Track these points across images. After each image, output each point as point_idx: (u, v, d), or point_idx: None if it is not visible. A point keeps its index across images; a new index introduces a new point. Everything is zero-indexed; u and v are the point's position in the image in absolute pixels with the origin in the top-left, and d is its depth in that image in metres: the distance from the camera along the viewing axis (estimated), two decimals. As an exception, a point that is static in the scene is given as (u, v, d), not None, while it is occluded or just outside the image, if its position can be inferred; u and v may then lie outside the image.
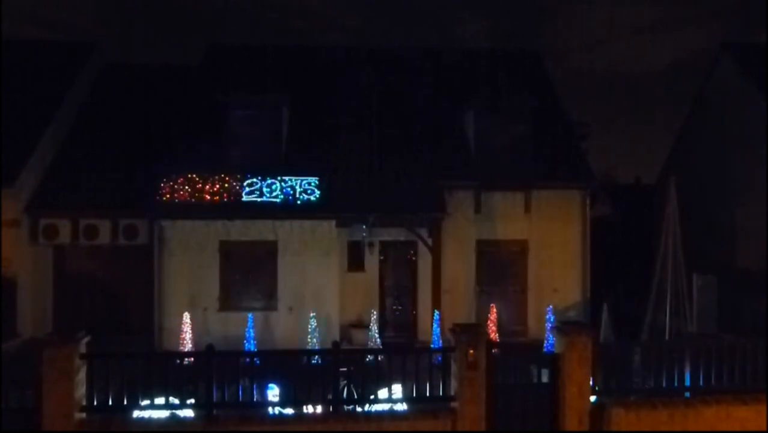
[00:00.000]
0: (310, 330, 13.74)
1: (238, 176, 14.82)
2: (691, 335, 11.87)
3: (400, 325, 16.11)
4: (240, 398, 8.51)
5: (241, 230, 15.00)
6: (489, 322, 14.95)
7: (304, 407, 8.40)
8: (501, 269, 16.33)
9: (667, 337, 11.09)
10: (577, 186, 16.38)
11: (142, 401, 8.17)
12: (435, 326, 13.81)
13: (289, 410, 8.42)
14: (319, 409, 8.40)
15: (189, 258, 14.86)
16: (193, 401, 8.27)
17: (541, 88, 18.99)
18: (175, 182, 14.65)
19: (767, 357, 8.94)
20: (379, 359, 9.16)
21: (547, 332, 13.71)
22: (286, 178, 14.89)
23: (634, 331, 13.47)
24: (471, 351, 8.12)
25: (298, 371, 8.48)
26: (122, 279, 15.89)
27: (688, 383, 9.18)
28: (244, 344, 13.26)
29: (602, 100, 59.68)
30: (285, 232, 15.08)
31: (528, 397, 8.51)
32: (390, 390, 8.50)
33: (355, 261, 15.89)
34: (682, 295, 11.15)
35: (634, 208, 24.64)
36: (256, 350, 13.02)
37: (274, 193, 14.75)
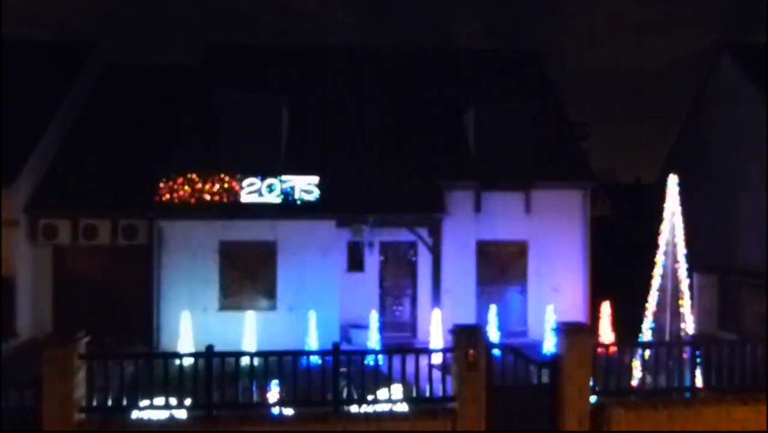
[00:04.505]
0: (309, 330, 13.73)
1: (238, 176, 14.81)
2: (691, 336, 11.85)
3: (400, 325, 16.10)
4: (240, 399, 8.50)
5: (240, 230, 14.98)
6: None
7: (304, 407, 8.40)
8: (501, 269, 16.33)
9: (667, 337, 11.07)
10: (577, 186, 16.37)
11: (141, 401, 8.16)
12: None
13: (289, 410, 8.41)
14: (318, 409, 8.39)
15: (189, 258, 14.84)
16: (192, 401, 8.26)
17: (541, 87, 18.99)
18: (175, 182, 14.64)
19: (767, 357, 8.93)
20: (379, 359, 9.15)
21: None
22: (286, 178, 14.89)
23: (634, 331, 13.45)
24: (471, 351, 8.12)
25: (298, 371, 8.47)
26: (122, 279, 15.86)
27: (688, 383, 9.18)
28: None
29: (602, 100, 59.70)
30: (284, 232, 15.06)
31: (528, 397, 8.50)
32: (390, 390, 8.49)
33: (355, 261, 15.88)
34: (682, 295, 11.13)
35: (634, 208, 24.61)
36: (256, 350, 13.00)
37: (274, 193, 14.74)
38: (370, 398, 8.51)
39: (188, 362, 9.05)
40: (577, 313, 15.94)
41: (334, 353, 8.56)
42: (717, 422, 8.52)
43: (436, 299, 15.17)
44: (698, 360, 9.11)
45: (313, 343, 13.74)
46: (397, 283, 16.23)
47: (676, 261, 11.17)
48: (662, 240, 11.40)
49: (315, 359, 9.06)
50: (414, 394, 8.52)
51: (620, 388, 8.92)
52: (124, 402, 8.17)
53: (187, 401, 8.23)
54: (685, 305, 11.11)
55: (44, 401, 7.64)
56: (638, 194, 25.71)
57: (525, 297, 16.31)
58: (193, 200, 14.55)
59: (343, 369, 8.47)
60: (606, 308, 14.75)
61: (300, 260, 15.04)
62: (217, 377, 8.21)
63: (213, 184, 14.67)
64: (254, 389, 8.41)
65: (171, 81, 19.19)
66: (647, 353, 9.65)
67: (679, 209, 11.36)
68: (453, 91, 18.51)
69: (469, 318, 15.31)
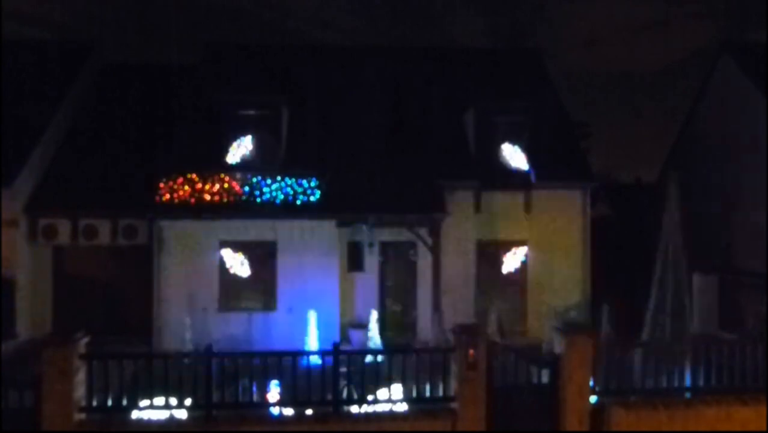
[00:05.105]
0: (309, 330, 13.74)
1: (238, 176, 14.80)
2: (691, 336, 11.86)
3: (400, 325, 16.09)
4: (239, 399, 8.50)
5: (241, 230, 14.98)
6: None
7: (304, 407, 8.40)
8: (501, 269, 16.32)
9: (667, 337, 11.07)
10: (577, 186, 16.37)
11: (141, 401, 8.16)
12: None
13: (289, 411, 8.40)
14: (318, 409, 8.39)
15: (188, 258, 14.84)
16: (192, 401, 8.26)
17: (541, 87, 18.99)
18: (175, 182, 14.63)
19: (767, 357, 8.93)
20: (379, 359, 9.15)
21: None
22: (286, 178, 14.88)
23: (634, 331, 13.45)
24: (471, 351, 8.12)
25: (297, 371, 8.47)
26: (121, 279, 15.87)
27: (688, 383, 9.18)
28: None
29: (602, 100, 59.70)
30: (285, 232, 15.05)
31: (528, 397, 8.50)
32: (390, 390, 8.49)
33: (355, 261, 15.86)
34: (683, 295, 11.13)
35: (634, 208, 24.59)
36: (255, 350, 13.00)
37: (274, 194, 14.74)
38: (370, 398, 8.51)
39: (188, 362, 9.05)
40: (577, 313, 15.94)
41: (334, 353, 8.56)
42: (717, 422, 8.51)
43: (436, 299, 15.16)
44: (698, 360, 9.10)
45: (313, 343, 13.74)
46: (397, 283, 16.22)
47: (675, 261, 11.16)
48: (662, 240, 11.39)
49: (315, 359, 9.07)
50: (414, 394, 8.51)
51: (620, 388, 8.91)
52: (124, 402, 8.17)
53: (187, 401, 8.22)
54: (685, 305, 11.10)
55: (44, 401, 7.64)
56: (638, 194, 25.68)
57: (525, 297, 16.30)
58: (193, 200, 14.54)
59: (343, 369, 8.47)
60: (605, 309, 14.70)
61: (300, 260, 15.03)
62: (217, 377, 8.20)
63: (213, 184, 14.66)
64: (254, 389, 8.41)
65: (170, 81, 19.17)
66: (647, 353, 9.63)
67: (678, 209, 11.36)
68: (453, 91, 18.51)
69: (469, 318, 15.31)
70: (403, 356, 9.08)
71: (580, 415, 8.26)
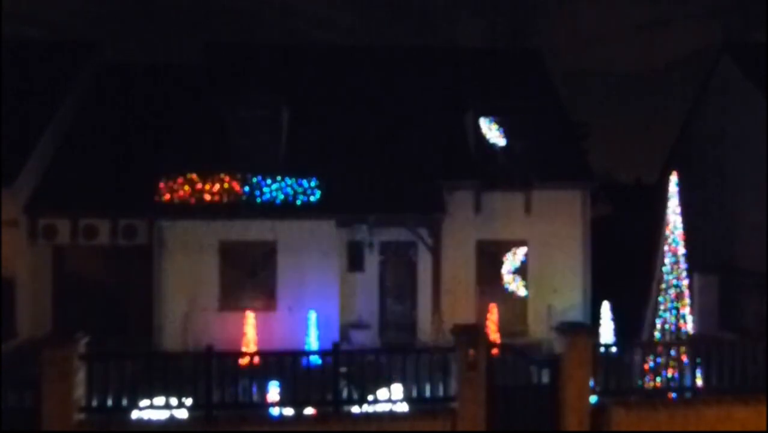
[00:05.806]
0: (309, 330, 13.74)
1: (238, 176, 14.80)
2: (692, 336, 11.86)
3: (400, 325, 16.09)
4: (239, 399, 8.50)
5: (240, 230, 14.98)
6: (488, 322, 14.94)
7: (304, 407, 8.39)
8: (501, 269, 16.30)
9: (667, 337, 11.07)
10: (577, 186, 16.37)
11: (141, 401, 8.16)
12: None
13: (289, 411, 8.40)
14: (318, 409, 8.39)
15: (188, 258, 14.83)
16: (192, 401, 8.26)
17: (541, 87, 18.97)
18: (175, 182, 14.63)
19: (767, 357, 8.93)
20: (379, 359, 9.15)
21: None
22: (286, 178, 14.88)
23: (634, 331, 13.45)
24: (471, 351, 8.12)
25: (297, 371, 8.47)
26: (121, 279, 15.85)
27: (688, 383, 9.19)
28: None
29: (602, 100, 59.71)
30: (284, 232, 15.05)
31: (528, 397, 8.50)
32: (390, 390, 8.49)
33: (355, 261, 15.86)
34: (683, 295, 11.13)
35: (634, 208, 24.59)
36: (255, 350, 13.01)
37: (274, 194, 14.74)
38: (370, 398, 8.51)
39: (188, 362, 9.05)
40: (577, 313, 15.94)
41: (334, 353, 8.56)
42: (717, 422, 8.52)
43: (436, 299, 15.16)
44: (698, 360, 9.11)
45: (313, 343, 13.74)
46: (397, 283, 16.21)
47: (676, 261, 11.17)
48: (662, 240, 11.39)
49: (315, 359, 9.07)
50: (414, 394, 8.51)
51: (620, 388, 8.91)
52: (124, 402, 8.17)
53: (187, 401, 8.23)
54: (686, 304, 11.11)
55: (44, 401, 7.64)
56: (638, 194, 25.68)
57: (525, 297, 16.30)
58: (193, 200, 14.55)
59: (343, 369, 8.47)
60: (606, 309, 14.72)
61: (300, 260, 15.03)
62: (217, 377, 8.20)
63: (213, 184, 14.67)
64: (254, 389, 8.41)
65: (170, 80, 19.15)
66: (647, 353, 9.64)
67: (678, 209, 11.36)
68: (453, 91, 18.50)
69: (469, 318, 15.30)
70: (403, 356, 9.09)
71: (580, 415, 8.27)
